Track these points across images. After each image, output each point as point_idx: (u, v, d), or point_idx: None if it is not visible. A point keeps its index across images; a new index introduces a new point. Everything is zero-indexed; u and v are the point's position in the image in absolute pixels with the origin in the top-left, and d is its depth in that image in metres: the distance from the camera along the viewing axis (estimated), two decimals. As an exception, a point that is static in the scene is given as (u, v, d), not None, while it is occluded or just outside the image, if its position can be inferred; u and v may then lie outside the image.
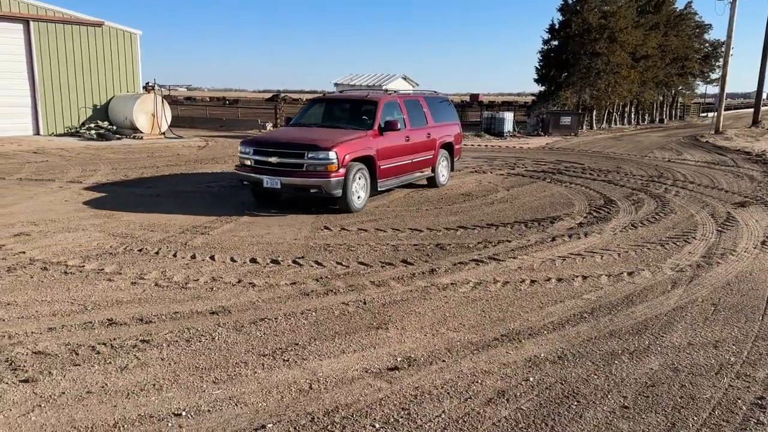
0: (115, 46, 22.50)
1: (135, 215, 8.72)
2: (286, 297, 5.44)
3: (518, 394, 3.71)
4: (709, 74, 46.15)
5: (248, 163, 9.30)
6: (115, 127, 21.54)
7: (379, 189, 9.88)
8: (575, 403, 3.62)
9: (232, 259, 6.57)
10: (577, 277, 6.12)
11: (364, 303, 5.32)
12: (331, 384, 3.84)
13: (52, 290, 5.48)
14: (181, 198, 10.21)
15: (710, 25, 43.55)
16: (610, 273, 6.29)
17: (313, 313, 5.05)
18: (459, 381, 3.87)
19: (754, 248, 7.41)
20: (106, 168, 13.62)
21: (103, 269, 6.10)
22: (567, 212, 9.51)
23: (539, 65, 32.25)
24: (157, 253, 6.75)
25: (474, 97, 72.67)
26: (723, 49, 33.84)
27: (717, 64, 43.88)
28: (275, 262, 6.51)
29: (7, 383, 3.76)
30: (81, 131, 20.89)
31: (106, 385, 3.77)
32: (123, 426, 3.32)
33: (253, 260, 6.56)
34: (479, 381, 3.87)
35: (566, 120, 27.65)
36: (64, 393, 3.66)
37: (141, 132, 21.04)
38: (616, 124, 36.26)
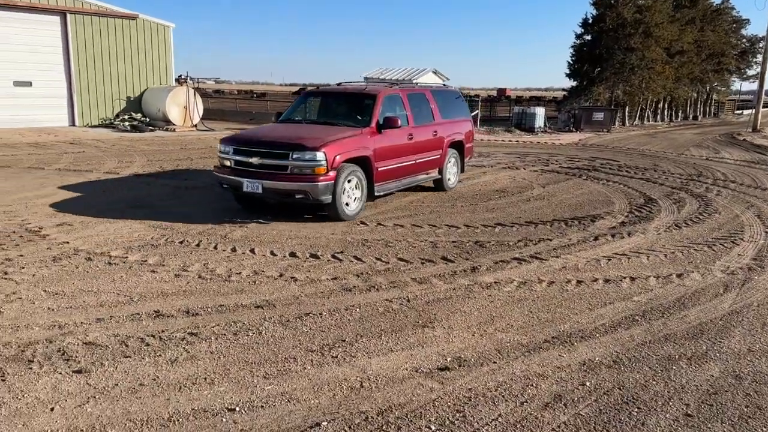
0: (148, 39, 22.76)
1: (173, 207, 8.78)
2: (329, 292, 5.40)
3: (576, 398, 3.61)
4: (745, 71, 45.04)
5: (228, 163, 8.27)
6: (148, 119, 21.82)
7: (376, 194, 8.71)
8: (636, 409, 3.51)
9: (272, 253, 6.56)
10: (624, 278, 5.96)
11: (408, 300, 5.25)
12: (382, 383, 3.78)
13: (98, 281, 5.53)
14: (216, 190, 10.24)
15: (748, 20, 42.59)
16: (658, 274, 6.11)
17: (357, 310, 5.00)
18: (513, 384, 3.78)
19: (807, 251, 7.14)
20: (141, 159, 13.78)
21: (146, 261, 6.14)
22: (607, 210, 9.31)
23: (571, 60, 31.77)
24: (197, 245, 6.77)
25: (501, 92, 71.96)
26: (761, 45, 32.90)
27: (754, 60, 42.80)
28: (314, 256, 6.48)
29: (61, 373, 3.79)
30: (115, 123, 21.20)
31: (158, 377, 3.78)
32: (178, 420, 3.31)
33: (293, 254, 6.54)
34: (534, 384, 3.78)
35: (599, 116, 27.17)
36: (117, 385, 3.67)
37: (173, 124, 21.26)
38: (648, 120, 35.55)
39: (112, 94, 22.03)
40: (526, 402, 3.56)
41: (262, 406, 3.47)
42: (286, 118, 9.73)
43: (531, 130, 25.78)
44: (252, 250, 6.63)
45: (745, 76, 46.00)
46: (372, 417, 3.39)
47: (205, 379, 3.77)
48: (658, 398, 3.64)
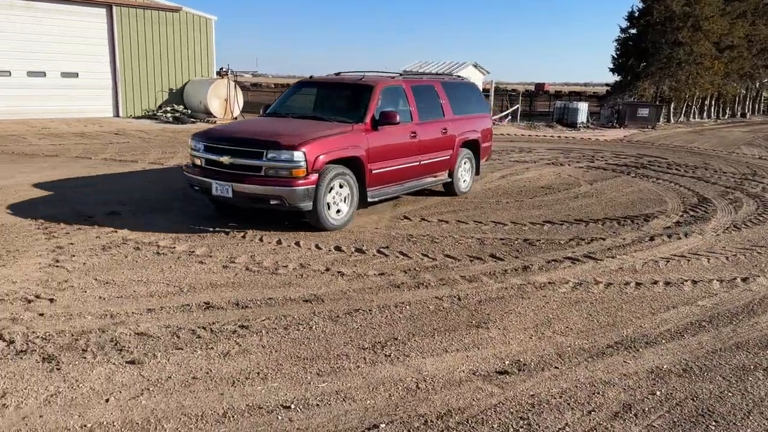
0: (191, 32, 23.01)
1: (217, 198, 8.78)
2: (377, 288, 5.28)
3: (646, 409, 3.41)
4: (799, 67, 43.01)
5: (198, 162, 7.25)
6: (189, 111, 22.08)
7: (369, 200, 7.57)
8: (713, 423, 3.28)
9: (317, 246, 6.47)
10: (686, 281, 5.67)
11: (459, 299, 5.09)
12: (439, 385, 3.64)
13: (147, 271, 5.53)
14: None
15: (803, 13, 40.48)
16: (722, 278, 5.81)
17: (408, 307, 4.87)
18: (578, 391, 3.59)
19: None
20: (184, 150, 13.89)
21: (194, 251, 6.13)
22: (660, 210, 8.95)
23: (616, 54, 30.94)
24: (243, 237, 6.73)
25: (539, 86, 70.69)
26: (819, 39, 31.41)
27: (809, 55, 40.81)
28: (360, 251, 6.38)
29: (114, 364, 3.76)
30: (158, 114, 21.52)
31: (211, 371, 3.72)
32: (232, 416, 3.23)
33: (338, 248, 6.44)
34: (600, 392, 3.58)
35: (644, 112, 26.38)
36: (170, 377, 3.62)
37: (214, 116, 21.46)
38: (694, 117, 34.38)
39: (155, 86, 22.37)
40: (594, 411, 3.38)
41: (317, 405, 3.37)
42: (273, 111, 8.59)
43: (573, 125, 25.20)
44: (297, 243, 6.56)
45: (798, 72, 44.01)
46: (431, 420, 3.25)
47: (258, 373, 3.70)
48: (736, 412, 3.41)
